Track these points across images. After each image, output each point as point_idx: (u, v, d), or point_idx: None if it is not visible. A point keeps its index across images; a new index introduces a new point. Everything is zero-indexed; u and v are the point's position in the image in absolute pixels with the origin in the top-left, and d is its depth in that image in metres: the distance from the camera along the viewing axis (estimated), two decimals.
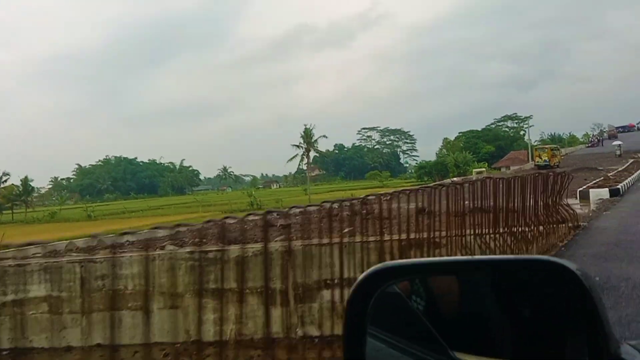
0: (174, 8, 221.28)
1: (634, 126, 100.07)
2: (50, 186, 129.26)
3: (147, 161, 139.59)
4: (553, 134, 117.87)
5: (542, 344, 1.00)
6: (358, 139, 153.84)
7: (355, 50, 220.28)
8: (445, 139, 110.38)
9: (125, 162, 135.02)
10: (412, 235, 7.06)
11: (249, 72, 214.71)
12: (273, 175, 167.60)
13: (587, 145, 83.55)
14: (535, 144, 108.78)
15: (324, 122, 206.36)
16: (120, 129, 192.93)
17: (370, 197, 7.16)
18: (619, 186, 21.23)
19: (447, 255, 7.15)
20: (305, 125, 66.32)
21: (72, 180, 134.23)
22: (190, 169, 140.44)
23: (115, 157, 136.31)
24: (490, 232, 8.13)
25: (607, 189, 20.76)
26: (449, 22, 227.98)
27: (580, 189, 21.70)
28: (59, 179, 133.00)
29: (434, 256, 6.56)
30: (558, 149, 58.35)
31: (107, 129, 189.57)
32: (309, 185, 71.14)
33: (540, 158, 52.63)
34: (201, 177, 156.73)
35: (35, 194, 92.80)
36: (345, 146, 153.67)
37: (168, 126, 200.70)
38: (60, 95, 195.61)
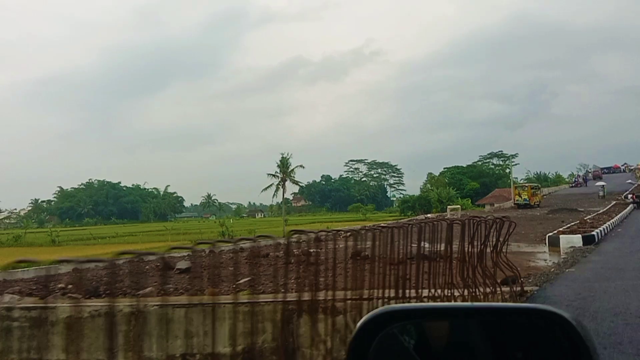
0: (170, 36, 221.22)
1: (619, 167, 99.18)
2: (30, 208, 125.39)
3: (131, 186, 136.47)
4: (539, 172, 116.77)
5: None
6: (345, 171, 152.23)
7: (348, 85, 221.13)
8: (430, 174, 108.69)
9: (108, 186, 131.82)
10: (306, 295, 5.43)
11: (242, 101, 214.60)
12: (260, 204, 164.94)
13: (570, 185, 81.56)
14: (521, 182, 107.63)
15: (314, 153, 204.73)
16: (109, 154, 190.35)
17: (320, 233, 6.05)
18: (594, 232, 18.66)
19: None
20: (282, 154, 63.72)
21: (52, 203, 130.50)
22: (175, 195, 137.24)
23: (99, 180, 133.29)
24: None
25: (580, 236, 18.12)
26: (440, 60, 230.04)
27: (550, 233, 19.06)
28: (39, 201, 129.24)
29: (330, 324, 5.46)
30: (539, 188, 56.11)
31: (95, 153, 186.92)
32: (284, 215, 68.24)
33: (520, 197, 50.34)
34: (186, 204, 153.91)
35: (3, 216, 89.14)
36: (333, 177, 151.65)
37: (157, 152, 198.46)
38: (49, 118, 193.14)
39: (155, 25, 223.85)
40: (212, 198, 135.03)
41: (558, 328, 0.95)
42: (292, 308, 5.62)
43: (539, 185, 60.85)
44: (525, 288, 9.68)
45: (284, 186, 63.77)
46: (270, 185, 63.58)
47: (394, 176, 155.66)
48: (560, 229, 20.90)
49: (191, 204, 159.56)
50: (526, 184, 54.43)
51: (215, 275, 5.35)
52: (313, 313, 5.52)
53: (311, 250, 5.70)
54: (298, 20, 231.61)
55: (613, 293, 8.87)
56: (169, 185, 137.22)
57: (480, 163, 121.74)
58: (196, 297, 5.50)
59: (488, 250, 8.81)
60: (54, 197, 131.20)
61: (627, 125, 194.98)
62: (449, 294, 7.07)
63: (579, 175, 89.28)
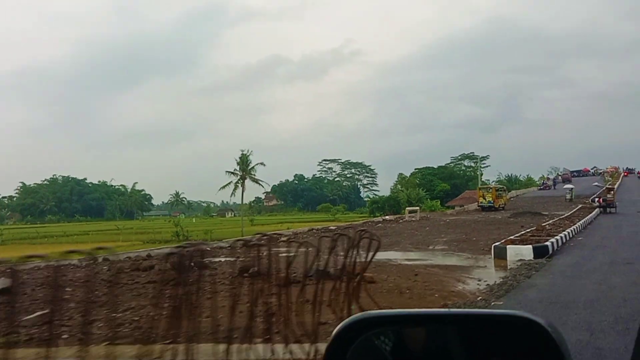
0: (147, 31, 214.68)
1: (589, 171, 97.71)
2: None
3: (97, 183, 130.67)
4: (510, 175, 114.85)
5: None
6: (319, 171, 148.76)
7: (327, 84, 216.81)
8: (400, 174, 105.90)
9: (73, 183, 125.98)
10: None
11: (219, 99, 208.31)
12: (234, 203, 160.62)
13: (539, 187, 79.14)
14: (493, 183, 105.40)
15: (292, 152, 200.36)
16: (79, 150, 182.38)
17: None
18: (548, 243, 15.25)
19: None
20: (241, 151, 59.69)
21: (14, 199, 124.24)
22: (143, 193, 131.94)
23: (63, 176, 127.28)
24: None
25: (531, 247, 14.68)
26: (418, 63, 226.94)
27: (498, 243, 15.58)
28: (0, 197, 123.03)
29: None
30: (504, 190, 53.14)
31: (63, 149, 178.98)
32: (242, 215, 64.26)
33: (484, 199, 47.28)
34: (156, 202, 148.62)
35: None
36: (306, 177, 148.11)
37: (129, 149, 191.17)
38: (15, 111, 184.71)
39: (131, 19, 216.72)
40: (181, 196, 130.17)
41: (533, 334, 0.93)
42: None
43: (505, 187, 57.90)
44: None
45: (243, 184, 59.62)
46: (229, 183, 59.41)
47: (368, 176, 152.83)
48: (511, 237, 17.47)
49: (162, 202, 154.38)
50: (490, 186, 51.35)
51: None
52: None
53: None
54: (277, 18, 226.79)
55: None
56: (136, 183, 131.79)
57: (452, 165, 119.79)
58: None
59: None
60: (16, 193, 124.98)
61: (599, 130, 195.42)
62: None
63: (548, 178, 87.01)
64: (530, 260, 14.21)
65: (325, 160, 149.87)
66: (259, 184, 61.20)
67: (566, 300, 8.25)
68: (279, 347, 5.66)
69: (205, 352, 5.28)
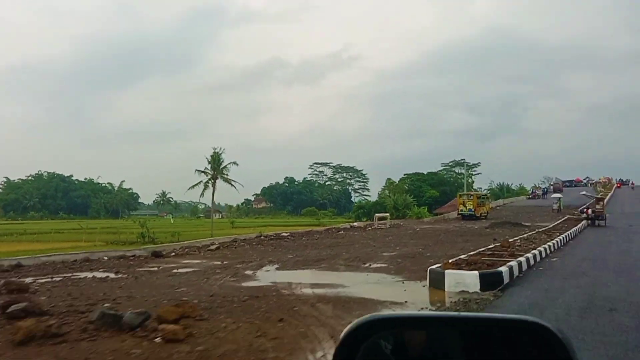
0: (146, 29, 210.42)
1: (581, 181, 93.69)
2: None
3: (84, 180, 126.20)
4: (502, 183, 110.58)
5: None
6: (310, 174, 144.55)
7: (324, 88, 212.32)
8: (388, 179, 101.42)
9: (58, 179, 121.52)
10: None
11: (216, 99, 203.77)
12: (226, 204, 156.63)
13: (527, 196, 74.69)
14: (484, 191, 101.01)
15: (287, 154, 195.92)
16: (70, 147, 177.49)
17: None
18: (504, 268, 10.82)
19: None
20: (214, 148, 55.12)
21: None
22: (130, 191, 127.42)
23: (48, 172, 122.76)
24: None
25: (477, 273, 10.27)
26: (416, 69, 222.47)
27: (435, 266, 11.11)
28: None
29: None
30: (487, 197, 48.64)
31: (53, 145, 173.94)
32: (212, 218, 59.64)
33: (465, 206, 42.78)
34: (146, 201, 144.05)
35: None
36: (296, 180, 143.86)
37: (122, 147, 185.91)
38: (10, 106, 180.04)
39: (131, 17, 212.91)
40: (167, 196, 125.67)
41: (544, 340, 0.90)
42: None
43: (488, 195, 53.44)
44: None
45: (214, 184, 55.01)
46: (199, 182, 54.83)
47: (359, 181, 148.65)
48: (462, 256, 13.01)
49: (153, 202, 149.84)
50: (472, 193, 46.73)
51: None
52: None
53: None
54: (277, 21, 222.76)
55: None
56: (124, 181, 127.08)
57: (444, 172, 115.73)
58: None
59: None
60: (0, 188, 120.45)
61: (593, 142, 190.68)
62: None
63: (538, 187, 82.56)
64: (475, 293, 9.83)
65: (316, 163, 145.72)
66: (231, 184, 56.39)
67: None
68: None
69: None
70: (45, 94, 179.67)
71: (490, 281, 10.31)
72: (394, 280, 12.08)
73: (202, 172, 55.36)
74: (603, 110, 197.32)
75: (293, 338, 6.54)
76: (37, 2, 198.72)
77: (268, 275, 13.25)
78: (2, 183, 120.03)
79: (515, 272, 11.62)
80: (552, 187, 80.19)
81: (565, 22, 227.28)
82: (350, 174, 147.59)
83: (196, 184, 56.86)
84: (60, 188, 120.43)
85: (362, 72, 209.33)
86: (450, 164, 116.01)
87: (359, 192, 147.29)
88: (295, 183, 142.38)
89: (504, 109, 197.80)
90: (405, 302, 9.29)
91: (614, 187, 77.41)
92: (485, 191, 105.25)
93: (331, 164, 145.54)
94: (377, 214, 41.07)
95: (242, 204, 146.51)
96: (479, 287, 10.08)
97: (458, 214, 43.78)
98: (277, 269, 14.68)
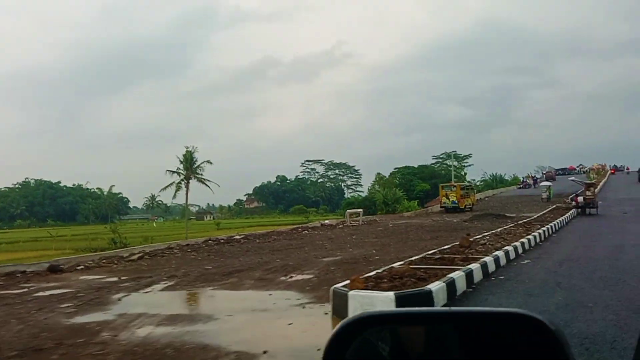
0: (137, 34, 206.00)
1: (574, 169, 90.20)
2: None
3: (72, 186, 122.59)
4: (495, 174, 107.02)
5: None
6: (301, 172, 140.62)
7: (318, 86, 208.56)
8: (378, 174, 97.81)
9: (45, 186, 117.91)
10: None
11: (210, 101, 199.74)
12: (220, 205, 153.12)
13: (518, 186, 71.08)
14: (479, 184, 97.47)
15: (283, 153, 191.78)
16: (59, 153, 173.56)
17: None
18: (435, 285, 7.43)
19: None
20: (186, 147, 51.37)
21: None
22: (119, 196, 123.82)
23: (35, 179, 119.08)
24: None
25: (393, 296, 6.57)
26: (410, 64, 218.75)
27: (337, 285, 7.36)
28: None
29: None
30: (471, 188, 44.84)
31: (45, 152, 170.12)
32: (187, 219, 56.05)
33: (448, 198, 39.11)
34: (138, 205, 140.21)
35: None
36: (288, 178, 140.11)
37: (115, 152, 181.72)
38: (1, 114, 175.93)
39: (122, 21, 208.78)
40: (157, 199, 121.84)
41: (536, 333, 0.87)
42: None
43: (472, 185, 49.66)
44: None
45: (187, 185, 51.31)
46: (171, 183, 51.16)
47: (352, 177, 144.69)
48: (395, 264, 9.40)
49: (143, 206, 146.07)
50: (455, 184, 42.93)
51: None
52: None
53: None
54: (269, 20, 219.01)
55: None
56: (113, 186, 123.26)
57: (437, 165, 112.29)
58: None
59: None
60: None
61: (587, 130, 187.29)
62: None
63: (531, 176, 78.98)
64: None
65: (308, 161, 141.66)
66: (205, 184, 52.63)
67: None
68: None
69: None
70: (34, 101, 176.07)
71: (413, 305, 6.71)
72: (295, 304, 8.49)
73: (175, 172, 51.75)
74: (597, 99, 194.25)
75: None
76: (25, 8, 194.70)
77: (133, 301, 9.66)
78: None
79: (461, 286, 8.04)
80: (544, 176, 76.70)
81: (558, 11, 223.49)
82: (343, 170, 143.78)
83: (168, 185, 53.22)
84: (48, 195, 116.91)
85: (356, 69, 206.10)
86: (441, 156, 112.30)
87: (352, 189, 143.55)
88: (287, 181, 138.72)
89: (499, 101, 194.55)
90: (265, 352, 5.69)
91: (607, 174, 73.84)
92: (478, 182, 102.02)
93: (323, 161, 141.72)
94: (348, 210, 37.40)
95: (234, 204, 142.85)
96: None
97: (441, 207, 40.16)
98: (164, 289, 11.10)
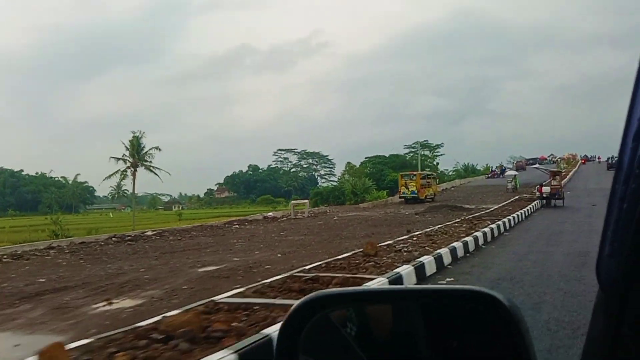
0: (108, 20, 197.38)
1: (546, 159, 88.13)
2: None
3: (35, 174, 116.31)
4: (467, 164, 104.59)
5: None
6: (274, 161, 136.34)
7: (295, 75, 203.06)
8: (348, 163, 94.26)
9: (7, 174, 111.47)
10: None
11: (184, 89, 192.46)
12: (193, 195, 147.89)
13: (486, 176, 68.33)
14: (451, 174, 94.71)
15: (258, 142, 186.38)
16: (28, 141, 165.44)
17: None
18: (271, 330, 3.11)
19: None
20: (132, 132, 47.03)
21: None
22: (85, 185, 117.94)
23: None
24: None
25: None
26: (385, 54, 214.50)
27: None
28: None
29: None
30: (433, 177, 41.36)
31: (9, 140, 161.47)
32: (133, 208, 51.87)
33: (407, 188, 35.62)
34: (106, 195, 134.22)
35: None
36: (260, 167, 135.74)
37: (83, 141, 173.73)
38: None
39: (93, 7, 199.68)
40: (122, 189, 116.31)
41: (493, 310, 0.87)
42: None
43: (434, 174, 46.18)
44: None
45: (134, 173, 47.01)
46: (116, 171, 46.81)
47: (326, 167, 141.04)
48: (270, 280, 5.71)
49: (108, 194, 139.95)
50: (414, 173, 39.47)
51: None
52: None
53: None
54: (244, 7, 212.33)
55: None
56: (78, 174, 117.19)
57: (409, 154, 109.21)
58: None
59: None
60: None
61: (560, 121, 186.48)
62: None
63: (499, 166, 76.52)
64: None
65: (280, 150, 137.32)
66: (154, 172, 48.42)
67: None
68: None
69: None
70: None
71: None
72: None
73: (120, 159, 47.25)
74: (569, 90, 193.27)
75: None
76: None
77: None
78: None
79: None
80: (514, 166, 74.28)
81: (533, 3, 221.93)
82: (316, 159, 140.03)
83: (113, 174, 48.78)
84: (9, 184, 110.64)
85: (332, 59, 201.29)
86: (413, 146, 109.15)
87: (325, 178, 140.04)
88: (260, 171, 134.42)
89: (473, 92, 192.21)
90: None
91: (578, 163, 71.59)
92: (450, 172, 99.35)
93: (296, 150, 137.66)
94: (292, 202, 33.68)
95: (204, 194, 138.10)
96: None
97: (400, 197, 36.71)
98: None
